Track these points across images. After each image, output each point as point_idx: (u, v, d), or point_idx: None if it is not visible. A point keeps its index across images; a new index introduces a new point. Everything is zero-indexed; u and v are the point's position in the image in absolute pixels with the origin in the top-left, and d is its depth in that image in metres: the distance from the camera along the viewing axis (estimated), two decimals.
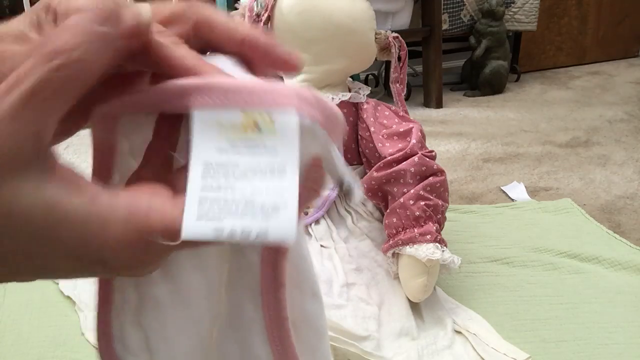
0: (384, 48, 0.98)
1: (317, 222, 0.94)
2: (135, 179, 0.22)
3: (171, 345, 0.24)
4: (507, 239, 1.08)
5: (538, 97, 2.29)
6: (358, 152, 0.96)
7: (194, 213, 0.18)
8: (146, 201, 0.19)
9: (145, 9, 0.20)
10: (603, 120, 1.91)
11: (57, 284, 0.92)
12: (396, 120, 0.93)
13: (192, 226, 0.18)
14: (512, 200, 1.29)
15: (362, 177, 0.94)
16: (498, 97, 2.29)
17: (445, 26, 2.23)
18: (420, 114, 2.07)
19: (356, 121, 0.95)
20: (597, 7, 2.78)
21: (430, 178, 0.84)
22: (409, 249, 0.81)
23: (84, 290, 0.89)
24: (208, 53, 0.23)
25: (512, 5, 2.34)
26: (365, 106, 0.94)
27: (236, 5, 0.99)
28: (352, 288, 0.84)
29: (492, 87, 2.31)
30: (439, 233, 0.83)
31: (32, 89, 0.17)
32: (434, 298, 0.85)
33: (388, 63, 1.84)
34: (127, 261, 0.19)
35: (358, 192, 0.20)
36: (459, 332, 0.80)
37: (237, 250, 0.25)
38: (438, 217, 0.83)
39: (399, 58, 0.98)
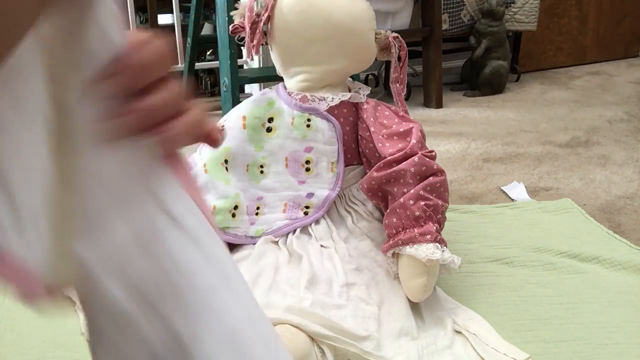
0: (384, 48, 0.98)
1: (317, 222, 0.94)
2: None
3: (25, 167, 0.22)
4: (507, 239, 1.08)
5: (538, 97, 2.29)
6: (358, 152, 0.96)
7: None
8: None
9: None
10: (603, 120, 1.91)
11: None
12: (396, 120, 0.93)
13: None
14: (512, 200, 1.29)
15: (362, 177, 0.94)
16: (498, 97, 2.29)
17: (445, 26, 2.23)
18: (420, 114, 2.07)
19: (356, 121, 0.95)
20: (597, 7, 2.78)
21: (430, 178, 0.84)
22: (409, 249, 0.81)
23: None
24: None
25: (512, 5, 2.34)
26: (365, 106, 0.94)
27: (236, 5, 0.98)
28: (352, 288, 0.84)
29: (492, 87, 2.31)
30: (439, 233, 0.83)
31: None
32: (434, 298, 0.85)
33: (388, 63, 1.84)
34: None
35: None
36: (459, 332, 0.80)
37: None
38: (438, 217, 0.83)
39: (399, 58, 0.98)
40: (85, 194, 0.24)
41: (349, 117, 0.95)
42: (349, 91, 0.97)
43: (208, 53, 3.59)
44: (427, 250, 0.79)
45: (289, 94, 0.95)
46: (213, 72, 3.87)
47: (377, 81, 2.38)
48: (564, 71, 2.75)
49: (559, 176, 1.43)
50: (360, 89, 0.99)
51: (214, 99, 2.41)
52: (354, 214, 0.96)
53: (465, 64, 2.42)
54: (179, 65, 2.08)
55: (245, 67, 2.20)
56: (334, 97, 0.94)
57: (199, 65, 2.13)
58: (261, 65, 2.09)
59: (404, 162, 0.84)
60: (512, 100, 2.24)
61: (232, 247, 0.91)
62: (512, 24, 2.37)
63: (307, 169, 0.94)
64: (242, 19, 0.95)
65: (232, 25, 0.97)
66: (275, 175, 0.94)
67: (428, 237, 0.80)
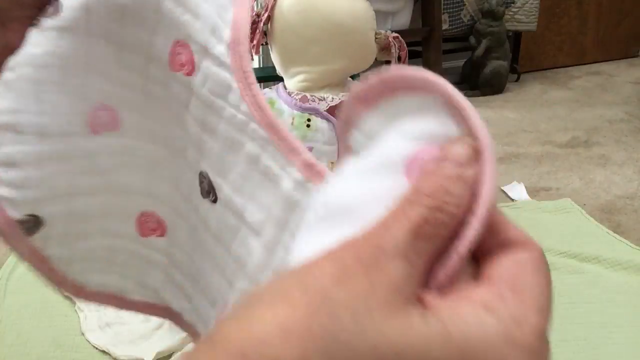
0: (384, 48, 0.98)
1: None
2: None
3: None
4: None
5: (538, 97, 2.29)
6: None
7: None
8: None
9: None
10: (603, 120, 1.91)
11: None
12: None
13: None
14: (512, 200, 1.29)
15: None
16: (498, 97, 2.29)
17: (445, 26, 2.23)
18: None
19: None
20: (597, 7, 2.78)
21: None
22: None
23: None
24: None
25: (512, 5, 2.34)
26: None
27: None
28: None
29: (492, 87, 2.31)
30: None
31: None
32: None
33: (388, 63, 1.84)
34: None
35: None
36: None
37: None
38: None
39: (399, 58, 0.98)
40: None
41: None
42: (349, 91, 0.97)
43: None
44: None
45: (289, 94, 0.95)
46: None
47: None
48: (564, 71, 2.74)
49: (559, 176, 1.43)
50: None
51: None
52: None
53: (465, 64, 2.42)
54: None
55: None
56: (334, 97, 0.94)
57: None
58: (261, 65, 2.09)
59: None
60: (512, 101, 2.24)
61: None
62: (512, 24, 2.37)
63: None
64: None
65: None
66: None
67: None
